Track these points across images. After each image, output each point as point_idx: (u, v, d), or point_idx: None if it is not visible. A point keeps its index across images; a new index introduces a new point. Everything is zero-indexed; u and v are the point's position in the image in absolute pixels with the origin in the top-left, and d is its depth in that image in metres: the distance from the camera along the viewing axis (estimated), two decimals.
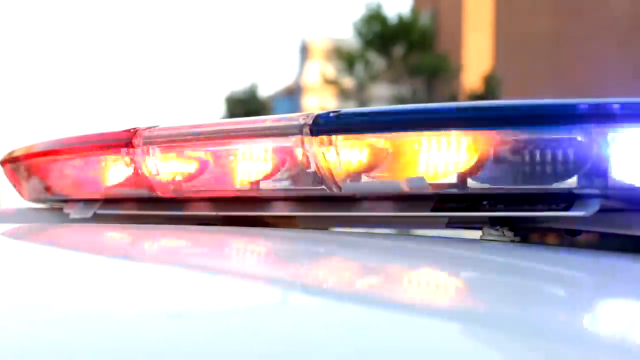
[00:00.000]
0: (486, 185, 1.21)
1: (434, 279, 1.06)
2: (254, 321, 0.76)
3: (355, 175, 1.29)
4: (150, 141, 1.48)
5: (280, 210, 1.48)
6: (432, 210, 1.29)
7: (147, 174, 1.51)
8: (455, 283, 1.05)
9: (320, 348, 0.68)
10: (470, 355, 0.70)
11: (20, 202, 2.04)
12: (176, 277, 1.00)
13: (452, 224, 1.45)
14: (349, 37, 30.59)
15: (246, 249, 1.32)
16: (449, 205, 1.28)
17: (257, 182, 1.40)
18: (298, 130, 1.30)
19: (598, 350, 0.73)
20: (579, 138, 1.14)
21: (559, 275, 1.11)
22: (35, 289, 0.90)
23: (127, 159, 1.52)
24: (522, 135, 1.17)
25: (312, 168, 1.32)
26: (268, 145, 1.37)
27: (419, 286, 0.99)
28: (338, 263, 1.19)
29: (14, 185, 1.94)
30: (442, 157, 1.23)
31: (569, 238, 1.50)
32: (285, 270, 1.09)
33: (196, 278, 1.00)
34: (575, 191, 1.16)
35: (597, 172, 1.14)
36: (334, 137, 1.28)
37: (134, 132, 1.50)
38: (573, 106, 1.14)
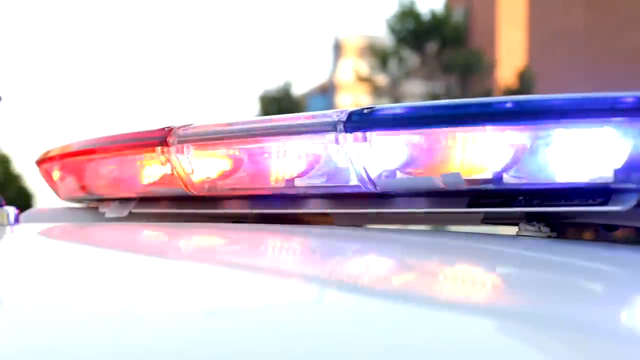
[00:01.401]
0: (522, 181, 1.20)
1: (471, 276, 1.05)
2: (291, 319, 0.76)
3: (390, 172, 1.29)
4: (184, 140, 1.49)
5: (314, 207, 1.47)
6: (467, 207, 1.28)
7: (181, 172, 1.51)
8: (494, 279, 1.04)
9: (357, 346, 0.67)
10: (508, 352, 0.69)
11: (56, 202, 2.05)
12: (212, 276, 1.00)
13: (488, 220, 1.44)
14: (382, 34, 30.57)
15: (282, 246, 1.31)
16: (485, 201, 1.27)
17: (292, 180, 1.40)
18: (332, 127, 1.29)
19: (638, 347, 0.72)
20: (616, 132, 1.12)
21: (597, 270, 1.10)
22: (74, 289, 0.90)
23: (162, 157, 1.52)
24: (558, 129, 1.16)
25: (347, 165, 1.31)
26: (302, 142, 1.37)
27: (456, 283, 0.98)
28: (374, 260, 1.19)
29: (50, 185, 1.95)
30: (477, 153, 1.22)
31: (605, 233, 1.49)
32: (322, 268, 1.08)
33: (232, 276, 1.00)
34: (612, 186, 1.15)
35: (634, 166, 1.13)
36: (368, 133, 1.27)
37: (168, 131, 1.50)
38: (610, 100, 1.13)
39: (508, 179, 1.20)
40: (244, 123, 1.44)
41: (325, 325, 0.73)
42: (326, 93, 50.65)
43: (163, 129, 1.52)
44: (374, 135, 1.27)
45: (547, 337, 0.73)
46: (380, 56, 28.94)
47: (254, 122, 1.44)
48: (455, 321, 0.77)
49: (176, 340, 0.68)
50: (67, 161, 1.80)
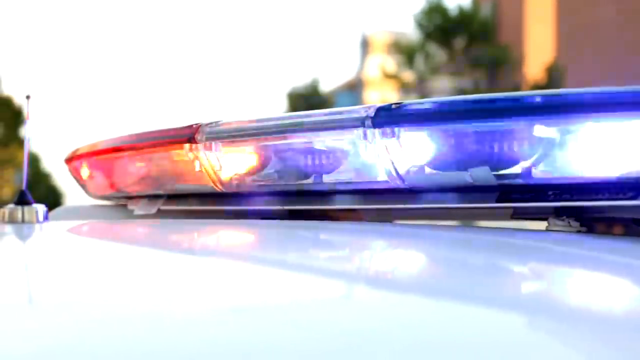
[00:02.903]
0: (551, 175, 1.19)
1: (503, 270, 1.05)
2: (321, 315, 0.76)
3: (418, 167, 1.28)
4: (212, 137, 1.49)
5: (343, 203, 1.47)
6: (497, 202, 1.28)
7: (209, 169, 1.51)
8: (523, 274, 1.04)
9: (387, 342, 0.67)
10: (537, 347, 0.69)
11: (85, 200, 2.06)
12: (242, 272, 1.00)
13: (517, 215, 1.43)
14: (409, 30, 30.53)
15: (311, 243, 1.31)
16: (514, 196, 1.26)
17: (320, 176, 1.40)
18: (360, 123, 1.29)
19: None
20: None
21: (627, 265, 1.09)
22: (104, 286, 0.91)
23: (190, 154, 1.53)
24: (587, 123, 1.15)
25: (375, 160, 1.31)
26: (330, 138, 1.37)
27: (488, 277, 0.98)
28: (404, 256, 1.18)
29: (79, 183, 1.96)
30: (506, 147, 1.21)
31: (636, 228, 1.48)
32: (350, 264, 1.08)
33: (261, 272, 1.00)
34: None
35: None
36: (396, 129, 1.27)
37: (196, 128, 1.50)
38: (639, 93, 1.12)
39: (537, 173, 1.20)
40: (271, 119, 1.44)
41: (355, 322, 0.73)
42: (354, 90, 50.67)
43: (191, 126, 1.52)
44: (402, 131, 1.27)
45: (579, 332, 0.73)
46: (407, 52, 28.90)
47: (281, 118, 1.44)
48: (486, 317, 0.77)
49: (204, 337, 0.68)
50: (95, 159, 1.81)
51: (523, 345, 0.68)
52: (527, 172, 1.20)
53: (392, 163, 1.29)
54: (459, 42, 28.14)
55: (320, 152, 1.39)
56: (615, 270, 1.05)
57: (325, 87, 42.09)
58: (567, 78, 25.64)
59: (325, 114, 1.38)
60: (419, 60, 28.67)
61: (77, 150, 1.90)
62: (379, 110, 1.28)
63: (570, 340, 0.71)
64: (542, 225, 1.32)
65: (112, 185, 1.80)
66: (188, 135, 1.51)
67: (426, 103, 1.30)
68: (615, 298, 0.89)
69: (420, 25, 28.47)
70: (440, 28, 27.88)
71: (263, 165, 1.48)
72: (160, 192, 1.70)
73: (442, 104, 1.28)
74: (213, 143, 1.49)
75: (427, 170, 1.28)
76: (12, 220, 1.45)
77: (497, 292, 0.89)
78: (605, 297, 0.89)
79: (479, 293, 0.87)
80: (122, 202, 1.90)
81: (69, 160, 1.94)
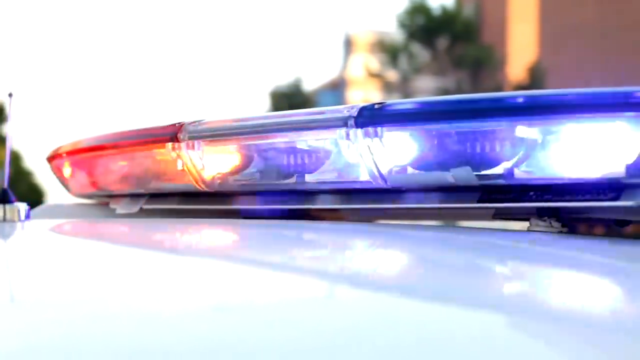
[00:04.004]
0: (533, 176, 1.20)
1: (483, 270, 1.05)
2: (300, 314, 0.76)
3: (401, 167, 1.28)
4: (195, 135, 1.48)
5: (325, 203, 1.47)
6: (478, 202, 1.28)
7: (192, 168, 1.51)
8: (504, 275, 1.04)
9: (367, 342, 0.67)
10: (516, 346, 0.69)
11: (67, 198, 2.06)
12: (223, 271, 1.00)
13: (499, 215, 1.43)
14: (392, 29, 30.52)
15: (292, 242, 1.31)
16: (496, 196, 1.26)
17: (302, 175, 1.40)
18: (343, 122, 1.29)
19: None
20: (628, 127, 1.12)
21: (607, 266, 1.09)
22: (85, 285, 0.91)
23: (172, 153, 1.52)
24: (569, 124, 1.16)
25: (357, 160, 1.31)
26: (313, 137, 1.37)
27: (466, 278, 0.98)
28: (385, 256, 1.18)
29: (61, 181, 1.95)
30: (489, 148, 1.21)
31: (617, 229, 1.48)
32: (331, 264, 1.08)
33: (242, 272, 1.00)
34: (624, 181, 1.14)
35: None
36: (378, 129, 1.27)
37: (179, 127, 1.50)
38: (622, 94, 1.12)
39: (519, 174, 1.20)
40: (254, 119, 1.44)
41: (335, 321, 0.73)
42: (337, 89, 50.62)
43: (174, 124, 1.52)
44: (384, 131, 1.27)
45: (558, 332, 0.73)
46: (390, 52, 28.91)
47: (264, 117, 1.44)
48: (466, 316, 0.77)
49: (185, 336, 0.68)
50: (77, 157, 1.81)
51: (503, 345, 0.68)
52: (509, 173, 1.20)
53: (375, 163, 1.29)
54: (442, 42, 28.17)
55: (303, 151, 1.39)
56: (595, 271, 1.05)
57: (308, 86, 42.06)
58: (549, 78, 25.70)
59: (308, 114, 1.38)
60: (402, 60, 28.68)
61: (59, 148, 1.89)
62: (362, 110, 1.28)
63: (550, 340, 0.71)
64: (523, 225, 1.32)
65: (94, 184, 1.79)
66: (171, 134, 1.51)
67: (409, 103, 1.30)
68: (595, 298, 0.89)
69: (403, 24, 28.49)
70: (424, 28, 27.90)
71: (246, 165, 1.48)
72: (143, 190, 1.70)
73: (425, 104, 1.28)
74: (196, 142, 1.49)
75: (410, 170, 1.28)
76: None
77: (477, 292, 0.89)
78: (586, 298, 0.89)
79: (459, 293, 0.87)
80: (104, 201, 1.89)
81: (51, 159, 1.93)
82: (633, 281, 1.00)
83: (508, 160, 1.20)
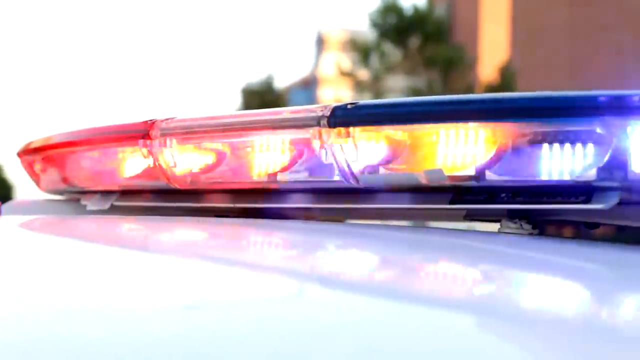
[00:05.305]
0: (505, 178, 1.20)
1: (451, 272, 1.05)
2: (270, 313, 0.76)
3: (373, 168, 1.29)
4: (167, 133, 1.48)
5: (297, 202, 1.47)
6: (450, 203, 1.28)
7: (164, 165, 1.51)
8: (474, 276, 1.04)
9: (335, 341, 0.67)
10: (487, 349, 0.70)
11: (37, 194, 2.05)
12: (193, 269, 1.00)
13: (470, 216, 1.44)
14: (364, 28, 30.52)
15: (263, 241, 1.31)
16: (467, 197, 1.27)
17: (275, 174, 1.40)
18: (315, 122, 1.29)
19: (618, 343, 0.72)
20: (598, 130, 1.13)
21: (577, 268, 1.10)
22: (55, 282, 0.90)
23: (144, 150, 1.52)
24: (540, 127, 1.17)
25: (330, 160, 1.31)
26: (285, 137, 1.37)
27: (436, 279, 0.99)
28: (355, 255, 1.19)
29: (31, 177, 1.94)
30: (460, 149, 1.22)
31: (587, 231, 1.49)
32: (302, 263, 1.09)
33: (213, 270, 1.00)
34: (594, 184, 1.15)
35: (616, 165, 1.13)
36: (351, 129, 1.27)
37: (151, 124, 1.50)
38: (592, 98, 1.13)
39: (491, 175, 1.21)
40: (227, 117, 1.44)
41: (303, 321, 0.74)
42: (308, 87, 50.67)
43: (146, 121, 1.51)
44: (357, 131, 1.27)
45: (525, 334, 0.73)
46: (362, 50, 28.90)
47: (237, 115, 1.44)
48: (433, 318, 0.78)
49: (156, 334, 0.68)
50: (48, 153, 1.80)
51: (471, 346, 0.69)
52: (481, 174, 1.21)
53: (347, 163, 1.29)
54: (414, 42, 28.17)
55: (275, 150, 1.39)
56: (565, 273, 1.06)
57: (280, 84, 42.01)
58: (520, 79, 25.78)
59: (281, 112, 1.38)
60: (374, 59, 28.67)
61: (30, 143, 1.88)
62: (335, 109, 1.28)
63: (518, 342, 0.72)
64: (494, 227, 1.33)
65: (65, 180, 1.79)
66: (143, 131, 1.51)
67: (382, 104, 1.31)
68: (564, 300, 0.90)
69: (375, 24, 28.48)
70: (396, 27, 27.90)
71: (218, 163, 1.48)
72: (114, 187, 1.70)
73: (398, 105, 1.29)
74: (168, 139, 1.49)
75: (382, 170, 1.28)
76: None
77: (446, 293, 0.90)
78: (554, 300, 0.90)
79: (427, 294, 0.87)
80: (75, 197, 1.88)
81: (21, 154, 1.92)
82: (601, 283, 1.01)
83: (480, 162, 1.21)
